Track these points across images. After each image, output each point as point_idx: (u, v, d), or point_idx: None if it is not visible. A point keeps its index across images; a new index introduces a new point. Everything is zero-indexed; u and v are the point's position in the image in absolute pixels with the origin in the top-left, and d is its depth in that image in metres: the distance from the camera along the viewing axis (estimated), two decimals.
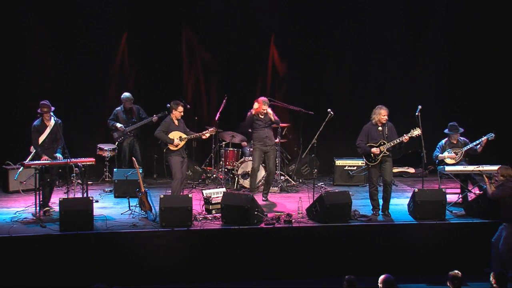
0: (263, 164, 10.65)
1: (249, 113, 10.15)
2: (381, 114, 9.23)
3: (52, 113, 9.24)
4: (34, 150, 9.32)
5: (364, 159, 9.39)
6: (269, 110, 10.09)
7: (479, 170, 9.38)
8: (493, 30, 12.49)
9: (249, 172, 10.98)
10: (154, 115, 11.05)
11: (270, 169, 10.19)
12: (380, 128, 9.28)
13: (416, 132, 9.12)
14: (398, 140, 9.16)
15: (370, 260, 8.60)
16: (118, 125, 11.13)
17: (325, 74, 12.71)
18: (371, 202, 9.37)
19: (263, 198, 10.16)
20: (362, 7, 12.50)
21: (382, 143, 9.20)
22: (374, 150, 9.17)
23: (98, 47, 11.94)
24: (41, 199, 9.28)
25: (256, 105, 10.00)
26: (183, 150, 9.62)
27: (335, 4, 12.46)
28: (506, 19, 12.40)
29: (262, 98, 10.09)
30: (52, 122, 9.29)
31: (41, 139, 9.25)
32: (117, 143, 11.25)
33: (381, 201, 9.35)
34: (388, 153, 9.23)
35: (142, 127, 11.26)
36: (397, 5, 12.54)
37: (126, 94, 11.24)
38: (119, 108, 11.27)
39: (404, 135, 9.14)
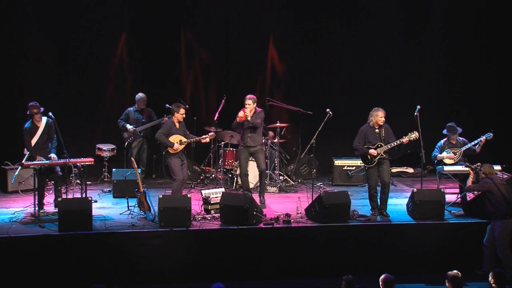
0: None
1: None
2: (379, 116, 9.22)
3: (44, 113, 9.24)
4: (28, 152, 9.33)
5: (361, 161, 9.42)
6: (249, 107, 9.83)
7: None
8: (492, 30, 12.50)
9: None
10: (165, 116, 10.99)
11: (260, 168, 10.04)
12: (377, 130, 9.27)
13: (414, 135, 9.13)
14: (397, 142, 9.16)
15: (369, 260, 8.60)
16: (129, 126, 11.12)
17: (324, 74, 12.72)
18: (371, 203, 9.36)
19: (260, 200, 9.99)
20: (361, 7, 12.51)
21: (379, 146, 9.20)
22: (372, 151, 9.16)
23: (97, 47, 11.94)
24: (54, 198, 9.45)
25: (241, 114, 9.77)
26: (182, 154, 9.61)
27: (334, 3, 12.48)
28: (505, 19, 12.41)
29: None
30: (43, 122, 9.29)
31: (34, 140, 9.27)
32: (126, 143, 11.24)
33: (379, 202, 9.34)
34: (385, 155, 9.22)
35: (150, 128, 11.25)
36: (396, 4, 12.56)
37: (140, 95, 11.25)
38: (131, 108, 11.27)
39: (404, 137, 9.14)
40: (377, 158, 9.17)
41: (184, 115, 9.64)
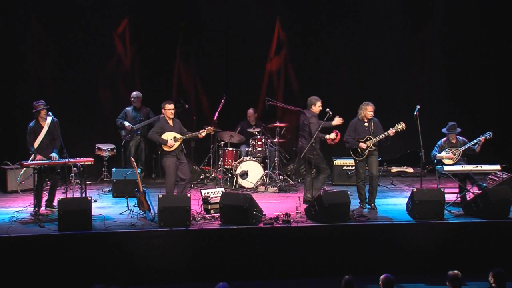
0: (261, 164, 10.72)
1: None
2: (368, 110, 9.52)
3: (50, 113, 9.24)
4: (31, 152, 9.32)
5: (352, 154, 9.63)
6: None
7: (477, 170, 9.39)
8: (492, 30, 12.50)
9: (248, 172, 10.97)
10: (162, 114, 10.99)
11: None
12: (366, 124, 9.55)
13: (401, 126, 9.36)
14: (384, 135, 9.43)
15: (368, 260, 8.59)
16: (126, 123, 11.17)
17: (324, 74, 12.73)
18: (358, 196, 9.60)
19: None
20: (361, 6, 12.52)
21: (368, 138, 9.46)
22: (361, 144, 9.45)
23: (97, 47, 11.94)
24: (46, 199, 9.44)
25: (333, 136, 9.75)
26: (179, 152, 9.46)
27: (334, 2, 12.48)
28: (505, 18, 12.41)
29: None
30: (48, 121, 9.27)
31: (39, 139, 9.25)
32: (123, 141, 11.25)
33: (367, 194, 9.58)
34: (374, 147, 9.48)
35: (147, 126, 11.23)
36: (397, 4, 12.56)
37: (136, 93, 11.32)
38: (129, 108, 11.31)
39: (390, 128, 9.39)
40: (367, 150, 9.45)
41: (172, 111, 9.43)
